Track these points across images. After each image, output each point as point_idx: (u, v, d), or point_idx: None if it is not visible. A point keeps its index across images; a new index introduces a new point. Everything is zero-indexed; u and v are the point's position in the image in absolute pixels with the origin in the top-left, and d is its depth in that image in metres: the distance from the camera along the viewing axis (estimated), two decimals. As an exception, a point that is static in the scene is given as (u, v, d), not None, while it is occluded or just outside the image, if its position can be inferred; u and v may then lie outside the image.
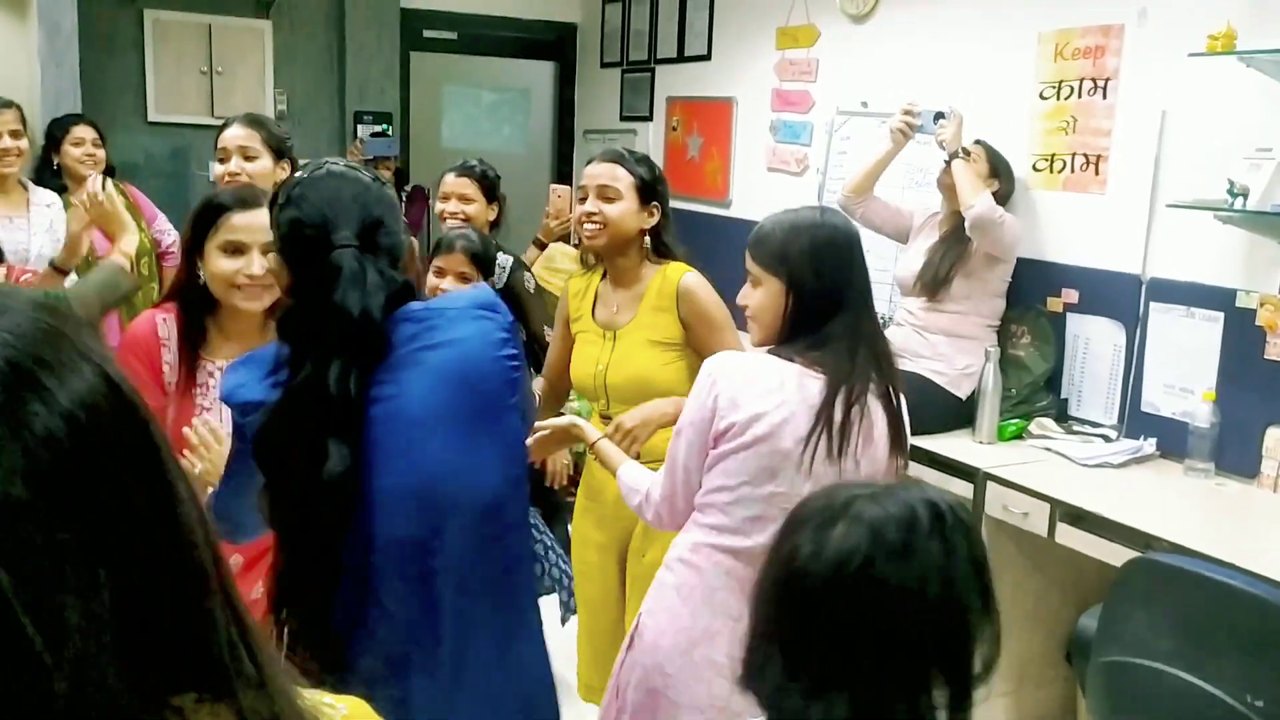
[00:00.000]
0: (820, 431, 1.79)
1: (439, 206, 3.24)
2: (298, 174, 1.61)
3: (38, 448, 0.58)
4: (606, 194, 2.41)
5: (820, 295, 1.87)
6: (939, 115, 3.44)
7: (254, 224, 1.97)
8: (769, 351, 1.90)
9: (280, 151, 2.77)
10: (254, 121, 2.76)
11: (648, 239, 2.51)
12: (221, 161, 2.71)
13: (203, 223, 2.00)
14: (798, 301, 1.87)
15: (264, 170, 2.70)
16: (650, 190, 2.47)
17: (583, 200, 2.48)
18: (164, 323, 2.03)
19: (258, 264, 1.98)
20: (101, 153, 3.84)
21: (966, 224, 3.27)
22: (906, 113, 3.48)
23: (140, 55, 5.27)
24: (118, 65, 5.21)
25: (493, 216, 3.24)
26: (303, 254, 1.51)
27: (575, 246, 2.91)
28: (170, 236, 4.15)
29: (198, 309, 2.03)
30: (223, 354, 2.03)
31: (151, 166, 5.39)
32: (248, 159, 2.69)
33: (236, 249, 1.98)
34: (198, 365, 2.03)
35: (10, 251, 2.90)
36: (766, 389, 1.81)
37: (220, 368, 2.03)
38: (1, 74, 4.46)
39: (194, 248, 2.01)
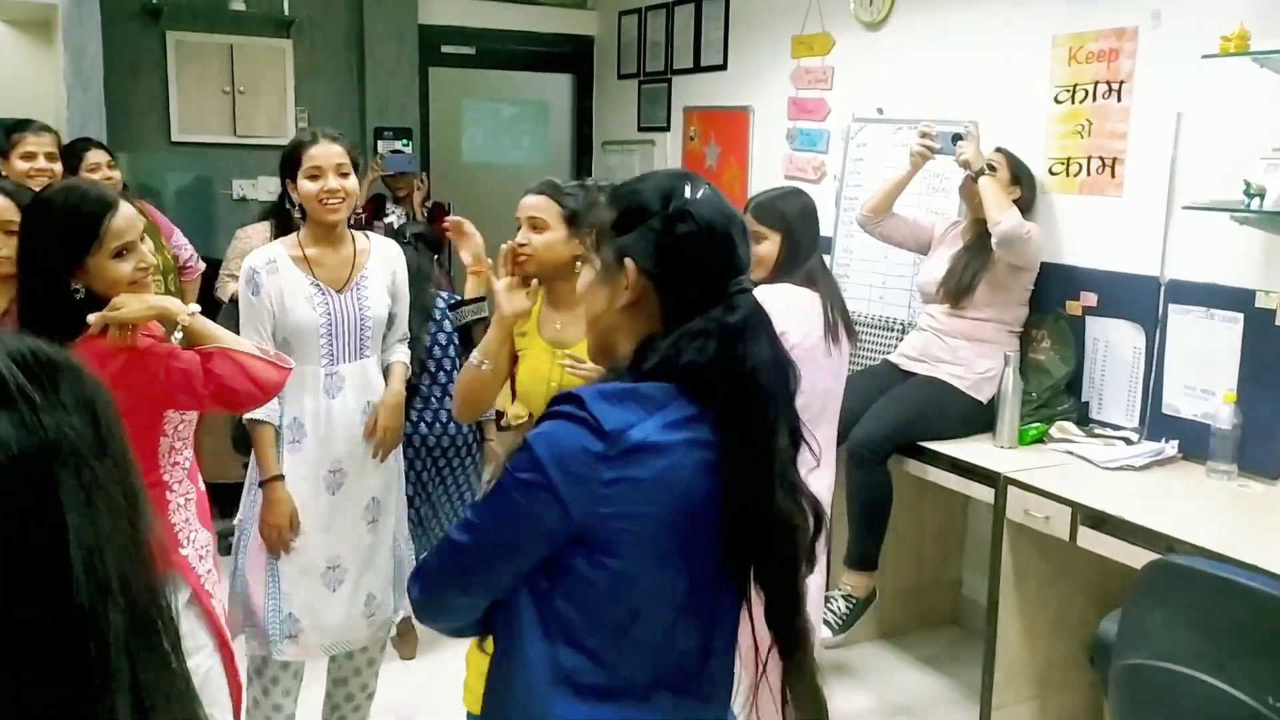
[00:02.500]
0: (830, 329, 2.65)
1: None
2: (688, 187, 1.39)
3: None
4: (535, 224, 2.40)
5: (806, 244, 2.74)
6: (957, 136, 3.45)
7: (132, 218, 2.03)
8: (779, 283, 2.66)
9: (357, 165, 2.76)
10: (335, 138, 2.71)
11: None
12: (313, 179, 2.62)
13: (82, 239, 1.99)
14: (793, 249, 2.72)
15: (355, 188, 2.70)
16: (576, 219, 2.42)
17: (517, 229, 2.45)
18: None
19: (147, 254, 2.05)
20: (117, 174, 3.88)
21: (994, 240, 3.27)
22: (924, 135, 3.49)
23: (163, 76, 5.34)
24: (141, 87, 5.28)
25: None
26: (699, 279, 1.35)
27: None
28: (188, 252, 4.21)
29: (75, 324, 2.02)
30: None
31: (176, 186, 5.47)
32: (343, 175, 2.66)
33: (126, 249, 2.01)
34: None
35: None
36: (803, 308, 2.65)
37: None
38: (28, 98, 4.55)
39: (70, 264, 1.99)
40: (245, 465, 4.67)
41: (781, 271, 2.70)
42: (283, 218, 4.32)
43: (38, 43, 5.33)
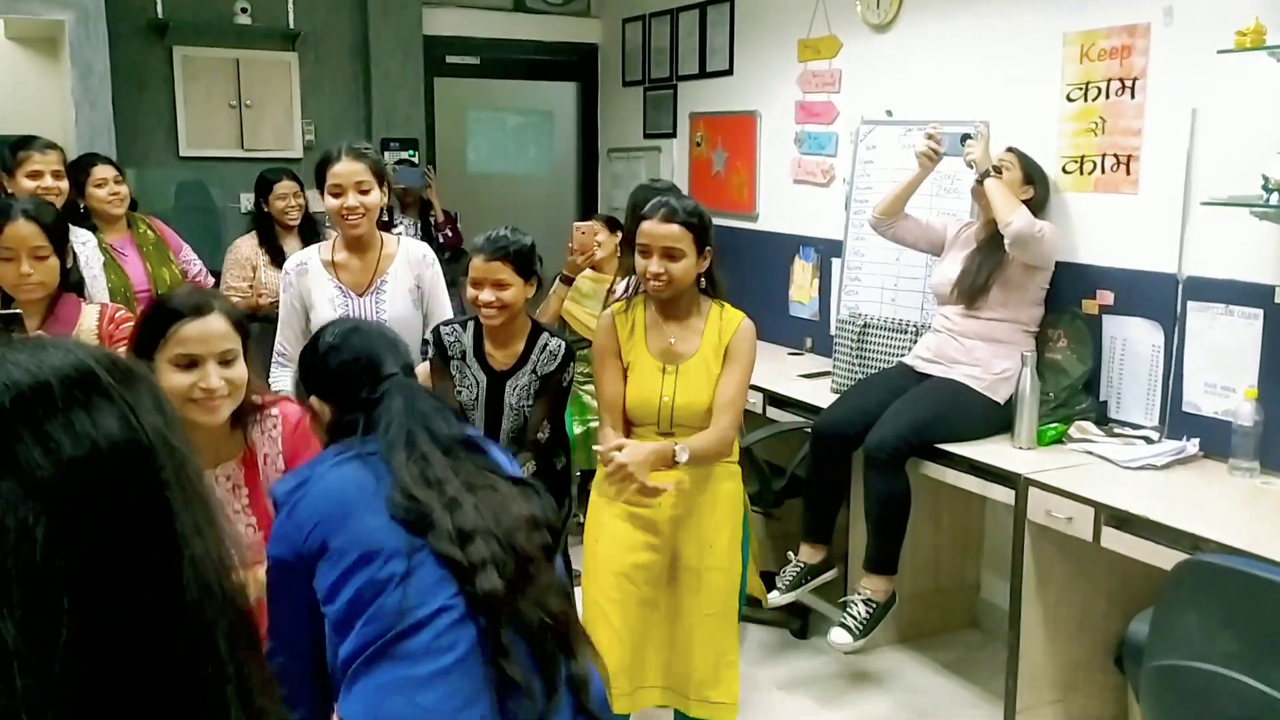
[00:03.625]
0: None
1: (470, 292, 2.82)
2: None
3: (19, 478, 0.60)
4: (671, 254, 2.60)
5: None
6: (965, 136, 3.43)
7: (207, 333, 1.88)
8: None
9: (382, 178, 2.86)
10: (360, 154, 2.83)
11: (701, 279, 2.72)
12: (335, 196, 2.77)
13: (150, 336, 1.88)
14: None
15: (378, 201, 2.81)
16: (704, 237, 2.65)
17: (644, 256, 2.63)
18: None
19: (213, 376, 1.87)
20: (125, 189, 3.87)
21: (1006, 241, 3.25)
22: (930, 137, 3.47)
23: (170, 92, 5.34)
24: (149, 103, 5.29)
25: (531, 294, 2.86)
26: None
27: (632, 294, 2.93)
28: (196, 267, 4.21)
29: None
30: (212, 464, 1.97)
31: (184, 200, 5.46)
32: (363, 192, 2.79)
33: (191, 362, 1.87)
34: None
35: None
36: None
37: (219, 478, 1.99)
38: (37, 115, 4.55)
39: (141, 356, 1.85)
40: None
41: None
42: (262, 226, 4.40)
43: (46, 60, 5.33)
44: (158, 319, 1.89)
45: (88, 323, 2.63)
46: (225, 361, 1.91)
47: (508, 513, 1.61)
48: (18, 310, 2.55)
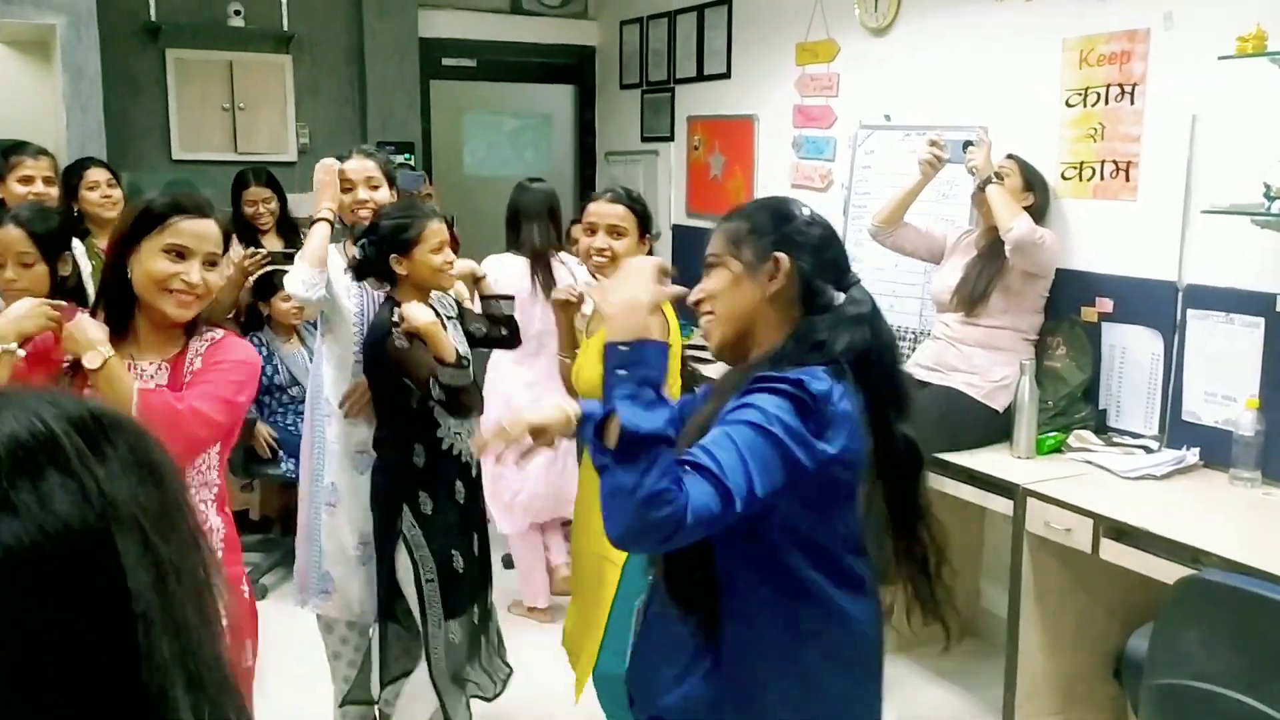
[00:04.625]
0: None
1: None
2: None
3: None
4: (616, 231, 2.71)
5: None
6: (967, 143, 3.40)
7: (202, 231, 1.96)
8: None
9: (391, 178, 3.03)
10: (370, 154, 3.01)
11: None
12: (346, 192, 2.92)
13: (145, 222, 1.95)
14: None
15: (385, 198, 2.96)
16: (646, 223, 2.76)
17: (590, 233, 2.74)
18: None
19: (196, 272, 1.94)
20: (118, 192, 3.85)
21: (1006, 248, 3.22)
22: (933, 144, 3.44)
23: (163, 95, 5.31)
24: (142, 106, 5.25)
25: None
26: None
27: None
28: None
29: (121, 309, 1.99)
30: (143, 358, 2.00)
31: (178, 204, 5.42)
32: (373, 188, 2.94)
33: (179, 253, 1.94)
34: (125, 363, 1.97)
35: None
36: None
37: (146, 368, 2.00)
38: (27, 119, 4.52)
39: (128, 245, 1.96)
40: (246, 487, 4.66)
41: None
42: (240, 229, 4.40)
43: (37, 63, 5.30)
44: (157, 209, 1.95)
45: None
46: (209, 264, 1.98)
47: None
48: None
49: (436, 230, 2.68)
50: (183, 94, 5.34)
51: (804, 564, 1.58)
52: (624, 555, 2.61)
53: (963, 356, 3.39)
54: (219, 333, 2.09)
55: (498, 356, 3.86)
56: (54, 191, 3.41)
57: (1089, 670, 3.11)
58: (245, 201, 4.50)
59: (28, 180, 3.31)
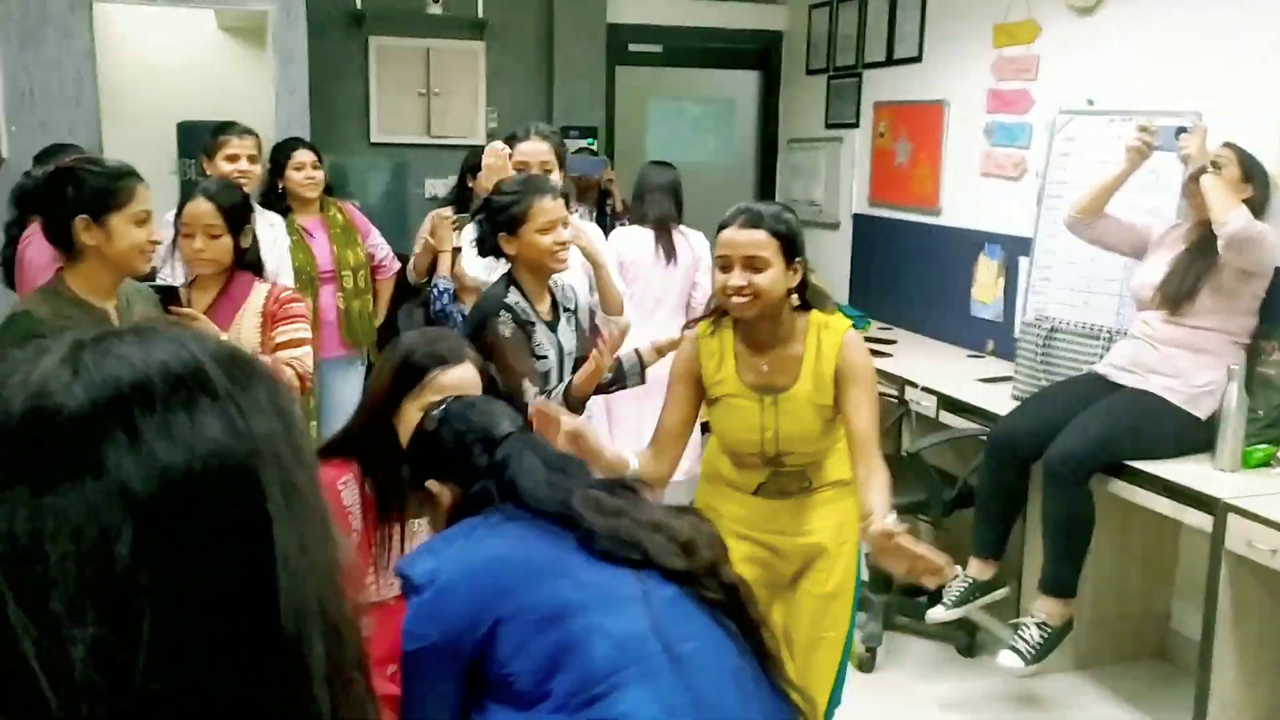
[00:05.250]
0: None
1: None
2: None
3: (107, 482, 0.56)
4: (754, 264, 2.25)
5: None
6: (1180, 130, 3.15)
7: (464, 381, 1.90)
8: None
9: (563, 161, 3.08)
10: (545, 136, 3.05)
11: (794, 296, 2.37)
12: (519, 170, 2.95)
13: (405, 382, 1.89)
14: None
15: (558, 182, 2.97)
16: (792, 246, 2.29)
17: (724, 270, 2.29)
18: (346, 488, 1.89)
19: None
20: (320, 174, 4.02)
21: (1220, 243, 2.97)
22: (1143, 129, 3.21)
23: (365, 80, 5.54)
24: (344, 90, 5.50)
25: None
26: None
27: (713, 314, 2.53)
28: (383, 251, 4.33)
29: (388, 471, 1.87)
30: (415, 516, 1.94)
31: (374, 185, 5.67)
32: (546, 171, 2.97)
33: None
34: (393, 530, 1.91)
35: None
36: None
37: (415, 532, 1.95)
38: (240, 102, 4.80)
39: (390, 405, 1.89)
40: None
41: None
42: (462, 201, 4.55)
43: (252, 48, 5.63)
44: (409, 371, 1.91)
45: (256, 301, 2.78)
46: None
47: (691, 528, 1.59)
48: (174, 284, 2.74)
49: (548, 209, 2.53)
50: (383, 79, 5.56)
51: None
52: (853, 592, 2.49)
53: (1163, 358, 3.16)
54: None
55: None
56: (257, 170, 3.59)
57: (1293, 705, 2.86)
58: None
59: (233, 158, 3.50)
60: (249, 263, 2.82)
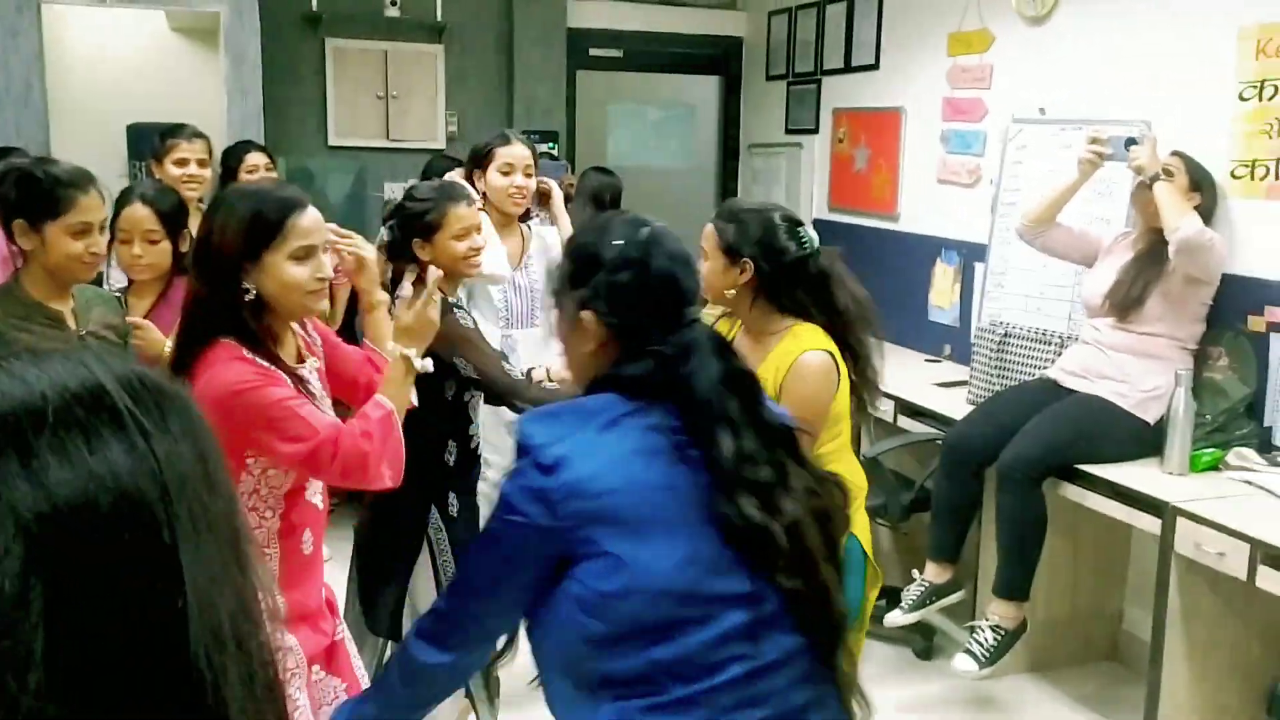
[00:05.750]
0: None
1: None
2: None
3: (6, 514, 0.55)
4: (700, 252, 2.33)
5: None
6: (1130, 140, 3.20)
7: (319, 222, 1.89)
8: None
9: (535, 165, 3.16)
10: (528, 142, 3.17)
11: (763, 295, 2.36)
12: (504, 175, 3.04)
13: (262, 234, 1.83)
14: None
15: (534, 186, 3.11)
16: (734, 250, 2.33)
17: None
18: (252, 356, 1.84)
19: (328, 264, 1.90)
20: (275, 177, 3.99)
21: (1171, 249, 3.01)
22: (1094, 141, 3.25)
23: (322, 82, 5.49)
24: (301, 93, 5.44)
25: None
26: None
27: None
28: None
29: (257, 325, 1.86)
30: (289, 360, 1.93)
31: (331, 189, 5.62)
32: (528, 175, 3.06)
33: (307, 254, 1.85)
34: (300, 378, 1.89)
35: None
36: None
37: (310, 372, 1.94)
38: (193, 103, 4.74)
39: (247, 258, 1.83)
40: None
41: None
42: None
43: (205, 50, 5.57)
44: (269, 217, 1.84)
45: None
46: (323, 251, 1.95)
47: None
48: (116, 293, 2.69)
49: (463, 215, 2.50)
50: (340, 81, 5.52)
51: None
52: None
53: (1112, 363, 3.20)
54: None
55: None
56: (208, 173, 3.54)
57: (1239, 705, 2.90)
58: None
59: (183, 162, 3.45)
60: (188, 267, 2.79)
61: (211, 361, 1.81)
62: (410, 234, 2.50)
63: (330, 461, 1.80)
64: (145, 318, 2.60)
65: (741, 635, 1.35)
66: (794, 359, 2.27)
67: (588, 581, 1.34)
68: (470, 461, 2.56)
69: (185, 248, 2.72)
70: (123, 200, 2.70)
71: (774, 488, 1.39)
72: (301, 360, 1.97)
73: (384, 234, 2.59)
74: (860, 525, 2.39)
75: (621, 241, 1.48)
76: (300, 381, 1.89)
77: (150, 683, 0.57)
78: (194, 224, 3.40)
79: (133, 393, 0.61)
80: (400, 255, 2.56)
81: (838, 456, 2.34)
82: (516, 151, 3.02)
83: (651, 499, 1.36)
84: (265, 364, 1.83)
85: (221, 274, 1.83)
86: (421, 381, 2.17)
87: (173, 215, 2.72)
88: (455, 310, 2.51)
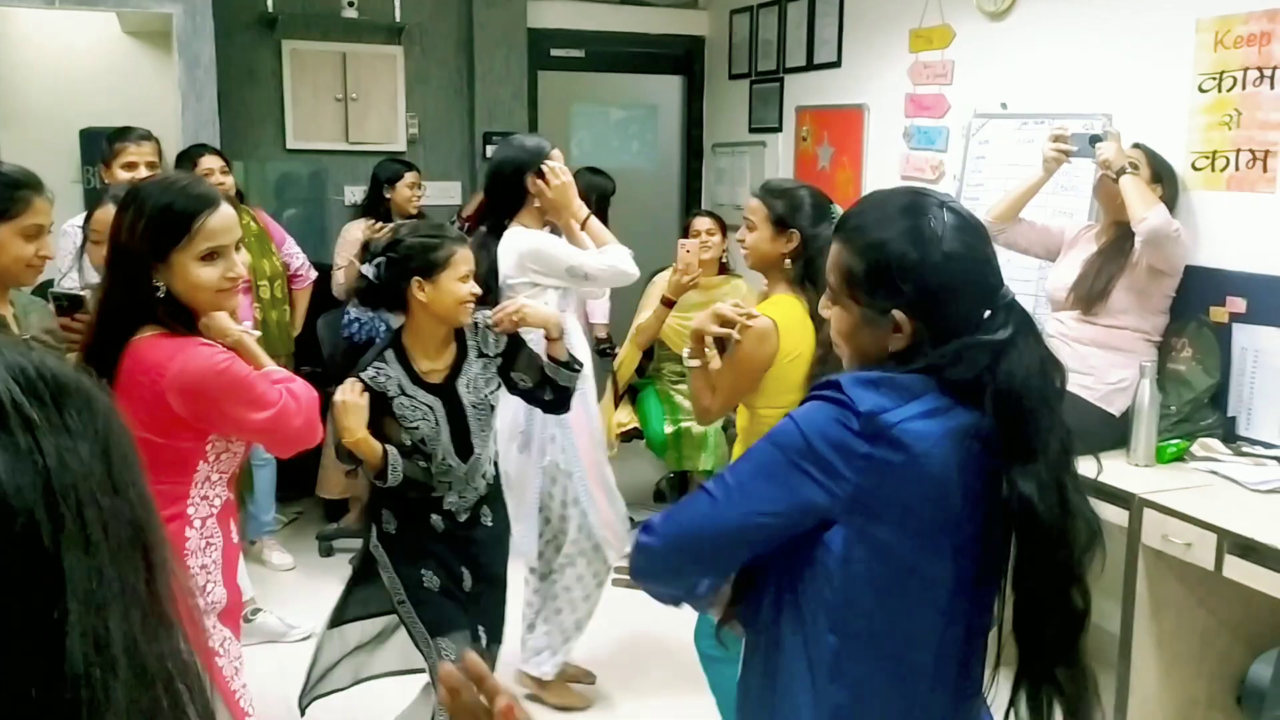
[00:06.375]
0: None
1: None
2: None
3: None
4: (748, 224, 2.58)
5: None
6: (1094, 138, 3.20)
7: (231, 222, 1.88)
8: None
9: None
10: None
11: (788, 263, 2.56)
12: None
13: (169, 232, 1.82)
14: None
15: None
16: (784, 221, 2.54)
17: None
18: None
19: (239, 263, 1.89)
20: (230, 180, 3.93)
21: (1138, 239, 3.02)
22: (1058, 139, 3.25)
23: (279, 85, 5.41)
24: (258, 95, 5.36)
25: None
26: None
27: None
28: (299, 260, 4.24)
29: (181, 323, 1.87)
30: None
31: (290, 192, 5.54)
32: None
33: (216, 254, 1.85)
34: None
35: None
36: None
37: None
38: (147, 106, 4.65)
39: (155, 258, 1.83)
40: (349, 474, 4.74)
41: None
42: (377, 214, 4.52)
43: (158, 53, 5.48)
44: (177, 217, 1.83)
45: None
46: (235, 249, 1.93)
47: None
48: (81, 293, 2.62)
49: (468, 258, 2.45)
50: (297, 84, 5.43)
51: (783, 619, 1.42)
52: None
53: (1077, 356, 3.20)
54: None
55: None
56: (157, 176, 3.47)
57: (1208, 696, 2.90)
58: (405, 184, 4.61)
59: (131, 166, 3.38)
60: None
61: (162, 350, 1.80)
62: (409, 273, 2.39)
63: (294, 415, 1.86)
64: None
65: None
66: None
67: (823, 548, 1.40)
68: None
69: None
70: (96, 203, 2.69)
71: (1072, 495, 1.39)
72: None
73: (367, 271, 2.44)
74: None
75: (917, 231, 1.39)
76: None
77: (17, 702, 0.53)
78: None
79: (24, 385, 0.56)
80: (383, 296, 2.45)
81: (768, 402, 2.43)
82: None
83: (937, 508, 1.36)
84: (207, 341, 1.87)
85: (132, 272, 1.84)
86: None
87: None
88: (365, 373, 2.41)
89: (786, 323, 2.40)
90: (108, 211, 2.58)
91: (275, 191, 5.46)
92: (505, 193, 3.18)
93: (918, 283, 1.37)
